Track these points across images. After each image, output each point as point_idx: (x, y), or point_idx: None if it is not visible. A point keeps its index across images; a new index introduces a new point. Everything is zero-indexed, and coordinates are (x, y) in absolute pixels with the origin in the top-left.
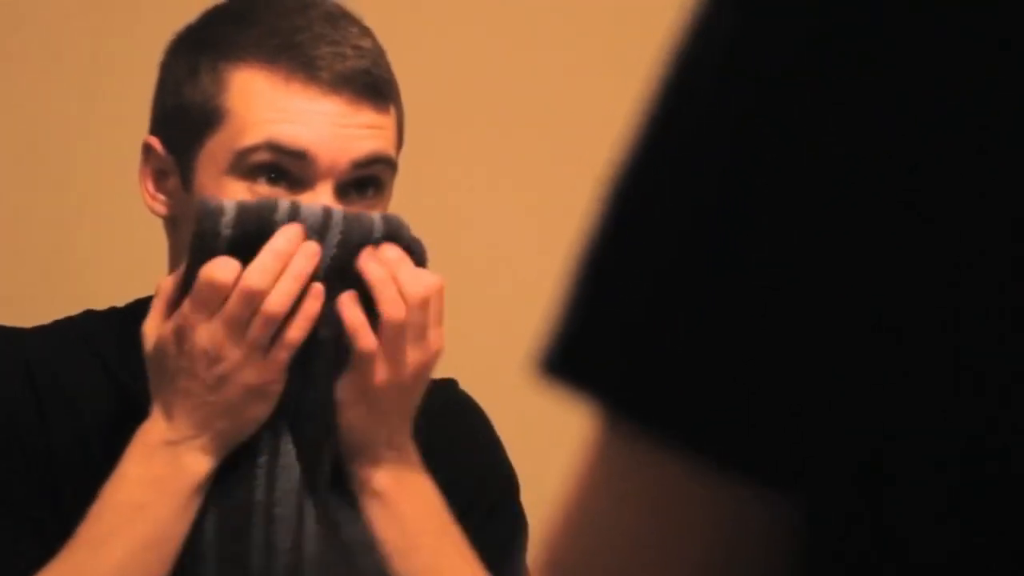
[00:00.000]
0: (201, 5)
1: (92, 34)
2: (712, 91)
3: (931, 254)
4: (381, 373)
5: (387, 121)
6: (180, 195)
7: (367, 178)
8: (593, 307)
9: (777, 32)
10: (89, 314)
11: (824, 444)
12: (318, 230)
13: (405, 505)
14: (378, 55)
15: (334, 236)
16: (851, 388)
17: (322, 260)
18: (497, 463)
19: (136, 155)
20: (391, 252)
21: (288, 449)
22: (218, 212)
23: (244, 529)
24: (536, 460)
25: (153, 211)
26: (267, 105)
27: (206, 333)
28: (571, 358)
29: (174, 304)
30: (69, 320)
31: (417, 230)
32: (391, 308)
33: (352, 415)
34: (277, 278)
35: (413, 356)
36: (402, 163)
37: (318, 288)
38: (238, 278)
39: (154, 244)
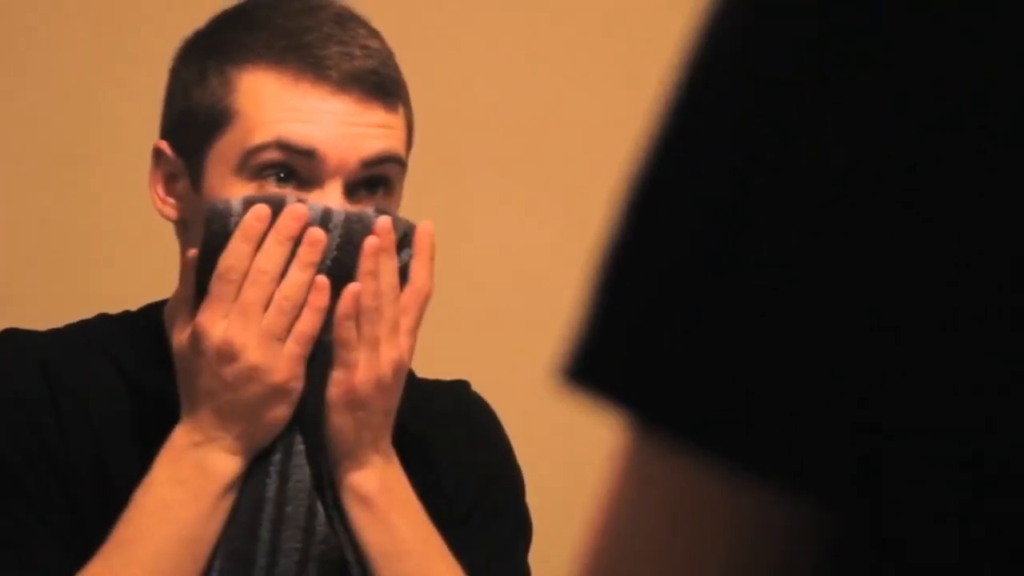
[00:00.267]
0: (212, 10)
1: (105, 39)
2: (715, 94)
3: (931, 254)
4: (362, 368)
5: (396, 120)
6: (190, 198)
7: (376, 177)
8: (612, 314)
9: (776, 33)
10: (103, 318)
11: (824, 444)
12: (318, 226)
13: (391, 510)
14: (387, 56)
15: (335, 236)
16: (851, 388)
17: (324, 259)
18: (504, 464)
19: (148, 160)
20: (374, 241)
21: (300, 449)
22: (226, 212)
23: (253, 526)
24: (548, 462)
25: (163, 215)
26: (276, 105)
27: (221, 329)
28: (591, 366)
29: (193, 309)
30: (83, 323)
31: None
32: (367, 296)
33: (339, 419)
34: (286, 257)
35: (387, 351)
36: (416, 165)
37: (323, 281)
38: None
39: (167, 248)
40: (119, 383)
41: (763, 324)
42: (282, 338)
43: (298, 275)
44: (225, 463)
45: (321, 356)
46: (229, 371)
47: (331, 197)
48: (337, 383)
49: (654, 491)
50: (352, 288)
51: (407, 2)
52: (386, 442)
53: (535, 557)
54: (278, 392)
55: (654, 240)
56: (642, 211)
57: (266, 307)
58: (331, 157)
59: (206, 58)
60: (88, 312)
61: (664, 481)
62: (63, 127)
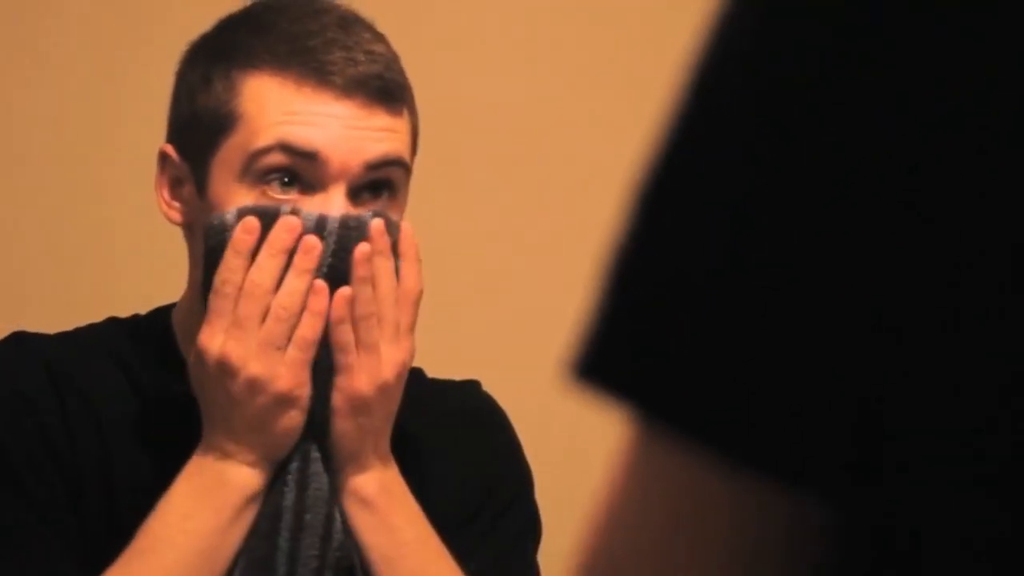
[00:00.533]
0: (219, 14)
1: (110, 43)
2: (719, 95)
3: (931, 254)
4: (364, 373)
5: (401, 124)
6: (195, 202)
7: (380, 181)
8: (618, 312)
9: (777, 36)
10: (112, 321)
11: (826, 443)
12: (314, 233)
13: (392, 513)
14: (391, 60)
15: (330, 243)
16: (853, 387)
17: (320, 264)
18: (513, 462)
19: (154, 164)
20: (365, 248)
21: (316, 457)
22: (221, 227)
23: (272, 535)
24: (556, 460)
25: (169, 219)
26: (279, 108)
27: (219, 344)
28: (598, 363)
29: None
30: (92, 327)
31: (439, 232)
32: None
33: (343, 425)
34: (280, 269)
35: (390, 354)
36: (424, 166)
37: (322, 285)
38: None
39: (176, 252)
40: (126, 386)
41: (766, 323)
42: (282, 347)
43: (294, 283)
44: (244, 476)
45: (327, 362)
46: (232, 385)
47: (335, 200)
48: (340, 389)
49: (657, 488)
50: (343, 292)
51: (412, 4)
52: (386, 445)
53: (545, 556)
54: (284, 400)
55: (661, 239)
56: (649, 211)
57: (263, 319)
58: (334, 160)
59: (211, 62)
60: (97, 316)
61: (667, 478)
62: (72, 130)
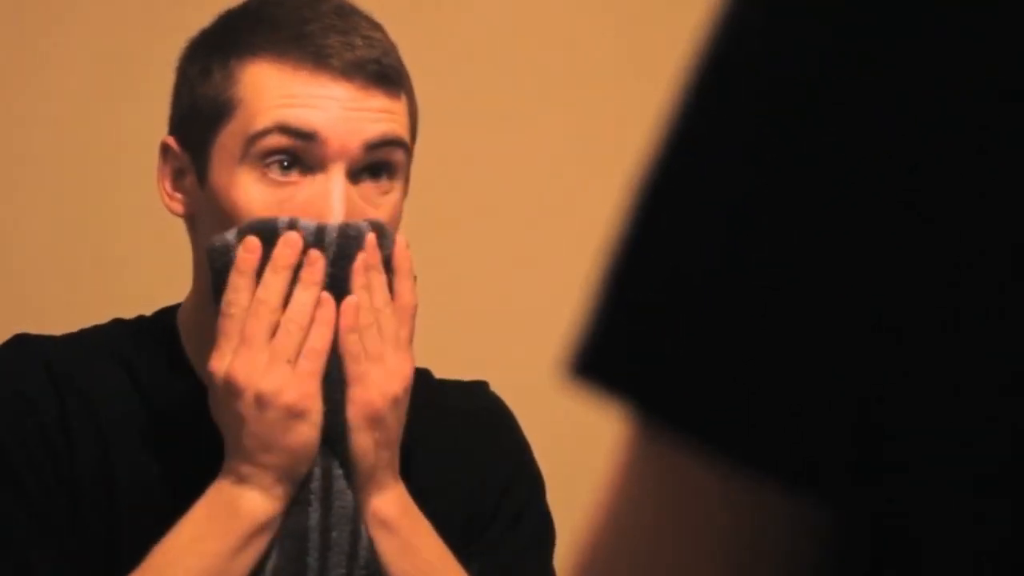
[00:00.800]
0: (218, 10)
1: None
2: (719, 96)
3: (931, 254)
4: (375, 384)
5: (399, 107)
6: (197, 192)
7: (380, 162)
8: (618, 310)
9: (775, 35)
10: (116, 323)
11: (825, 444)
12: (313, 245)
13: (412, 534)
14: (389, 47)
15: (330, 252)
16: (852, 387)
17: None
18: (524, 465)
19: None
20: (363, 258)
21: (339, 473)
22: (224, 249)
23: (300, 555)
24: (565, 461)
25: (171, 210)
26: (277, 92)
27: (226, 365)
28: (596, 361)
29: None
30: (96, 328)
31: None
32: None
33: (361, 439)
34: (286, 286)
35: (395, 365)
36: (428, 162)
37: (327, 296)
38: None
39: (180, 250)
40: (128, 386)
41: (766, 323)
42: (292, 360)
43: (303, 296)
44: (256, 503)
45: (338, 374)
46: (240, 404)
47: (335, 180)
48: (354, 401)
49: (653, 488)
50: (351, 301)
51: (410, 3)
52: (396, 460)
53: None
54: (293, 413)
55: (660, 238)
56: (649, 210)
57: (271, 336)
58: (333, 140)
59: (211, 54)
60: (101, 317)
61: (664, 478)
62: (73, 130)
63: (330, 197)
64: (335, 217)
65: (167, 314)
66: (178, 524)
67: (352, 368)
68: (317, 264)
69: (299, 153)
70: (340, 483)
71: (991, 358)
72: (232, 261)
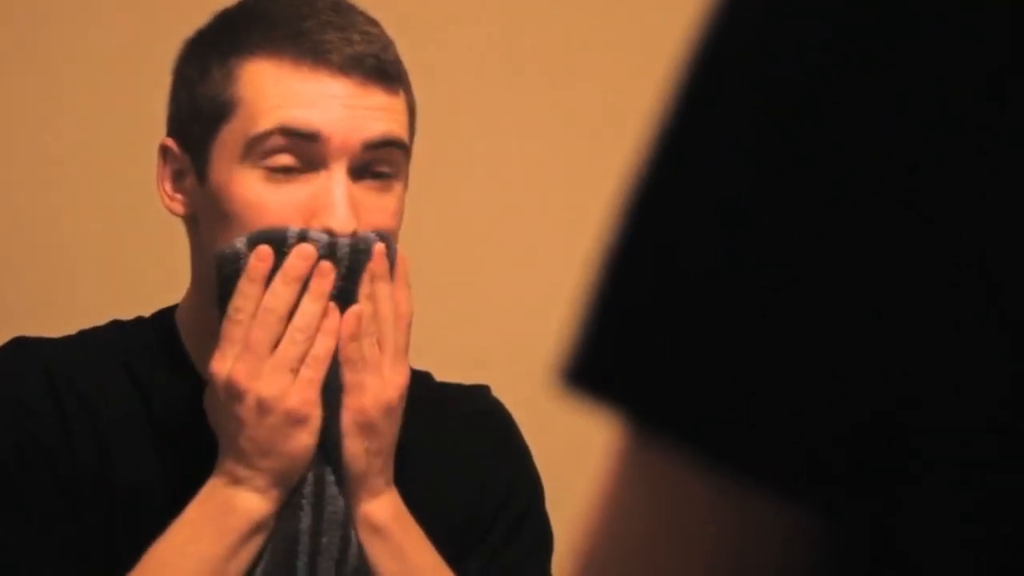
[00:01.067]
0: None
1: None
2: (716, 95)
3: (931, 254)
4: (370, 392)
5: (398, 104)
6: (197, 192)
7: (380, 160)
8: (609, 315)
9: (775, 34)
10: (115, 324)
11: (823, 448)
12: (325, 257)
13: (405, 540)
14: (387, 43)
15: (343, 265)
16: (850, 390)
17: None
18: (525, 469)
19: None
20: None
21: (331, 480)
22: (234, 256)
23: (289, 558)
24: (563, 466)
25: (172, 211)
26: (277, 91)
27: (228, 368)
28: (589, 366)
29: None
30: (94, 330)
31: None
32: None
33: (352, 445)
34: (295, 295)
35: (392, 375)
36: (428, 163)
37: (333, 306)
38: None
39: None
40: (129, 388)
41: (763, 326)
42: (295, 369)
43: (311, 307)
44: (252, 503)
45: (336, 382)
46: (240, 407)
47: (337, 178)
48: (348, 408)
49: (645, 494)
50: (355, 309)
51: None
52: (390, 468)
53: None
54: (293, 419)
55: (655, 240)
56: (643, 212)
57: (275, 344)
58: (334, 139)
59: (208, 54)
60: (100, 318)
61: (656, 484)
62: (72, 131)
63: (332, 195)
64: (338, 215)
65: (167, 314)
66: (171, 526)
67: (349, 376)
68: (328, 276)
69: (301, 152)
70: (332, 489)
71: (991, 358)
72: (241, 268)
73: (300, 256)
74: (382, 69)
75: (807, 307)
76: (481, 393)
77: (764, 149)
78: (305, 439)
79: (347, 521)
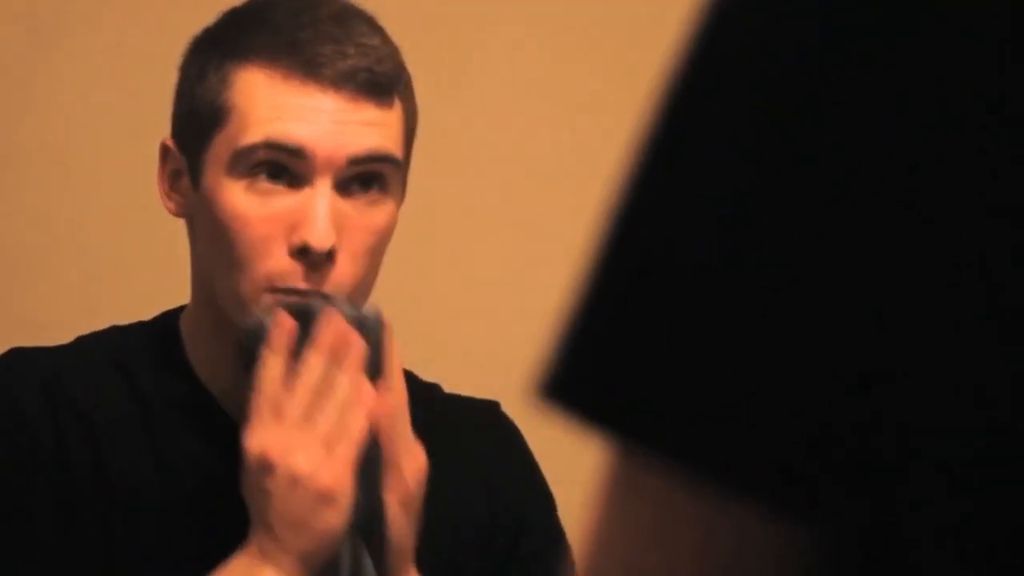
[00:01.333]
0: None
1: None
2: (712, 94)
3: (931, 254)
4: (407, 468)
5: (390, 118)
6: (191, 195)
7: (369, 174)
8: (590, 327)
9: (775, 34)
10: (115, 329)
11: (820, 448)
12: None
13: None
14: (385, 53)
15: (372, 339)
16: (849, 391)
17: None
18: (535, 483)
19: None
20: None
21: (369, 563)
22: (258, 329)
23: None
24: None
25: (169, 211)
26: (266, 103)
27: (260, 441)
28: (570, 381)
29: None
30: (93, 335)
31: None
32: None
33: (400, 524)
34: (327, 368)
35: (416, 453)
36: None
37: (366, 382)
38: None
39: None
40: (126, 393)
41: (760, 327)
42: (330, 444)
43: (346, 381)
44: None
45: (369, 460)
46: (271, 481)
47: (320, 193)
48: (394, 488)
49: (636, 508)
50: (390, 385)
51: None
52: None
53: None
54: (325, 497)
55: (642, 246)
56: (631, 216)
57: (308, 417)
58: (319, 154)
59: (209, 55)
60: (99, 323)
61: (639, 498)
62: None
63: (314, 209)
64: (318, 230)
65: (169, 317)
66: None
67: (391, 453)
68: (360, 350)
69: (286, 165)
70: (371, 572)
71: (991, 359)
72: (264, 339)
73: (332, 328)
74: (375, 83)
75: (805, 309)
76: (492, 408)
77: (763, 149)
78: (335, 518)
79: None
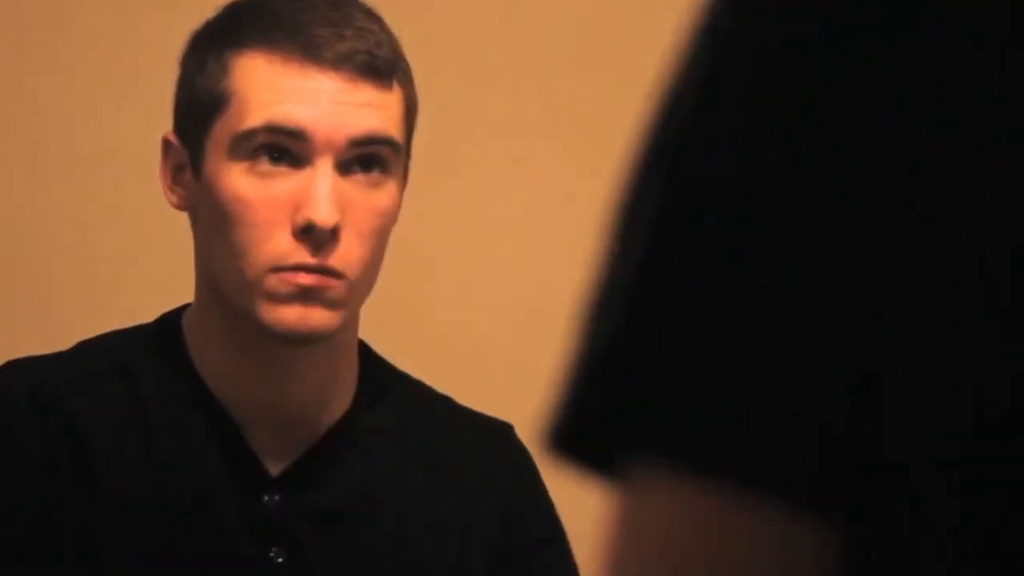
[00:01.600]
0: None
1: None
2: (712, 96)
3: (931, 254)
4: None
5: (390, 100)
6: (194, 187)
7: (369, 156)
8: (609, 354)
9: (776, 34)
10: (115, 334)
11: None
12: None
13: None
14: (382, 39)
15: None
16: (849, 391)
17: None
18: (544, 509)
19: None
20: None
21: None
22: None
23: None
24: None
25: (172, 204)
26: (266, 86)
27: None
28: (594, 418)
29: None
30: (92, 341)
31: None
32: None
33: None
34: None
35: None
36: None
37: None
38: None
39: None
40: (124, 396)
41: (757, 329)
42: None
43: None
44: None
45: None
46: None
47: (321, 174)
48: None
49: (671, 531)
50: None
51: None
52: None
53: None
54: None
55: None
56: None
57: None
58: (319, 135)
59: (208, 46)
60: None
61: (680, 520)
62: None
63: (316, 188)
64: (321, 208)
65: (170, 318)
66: None
67: None
68: None
69: (287, 147)
70: None
71: (991, 359)
72: None
73: None
74: (373, 65)
75: (806, 309)
76: (507, 432)
77: (763, 150)
78: None
79: None
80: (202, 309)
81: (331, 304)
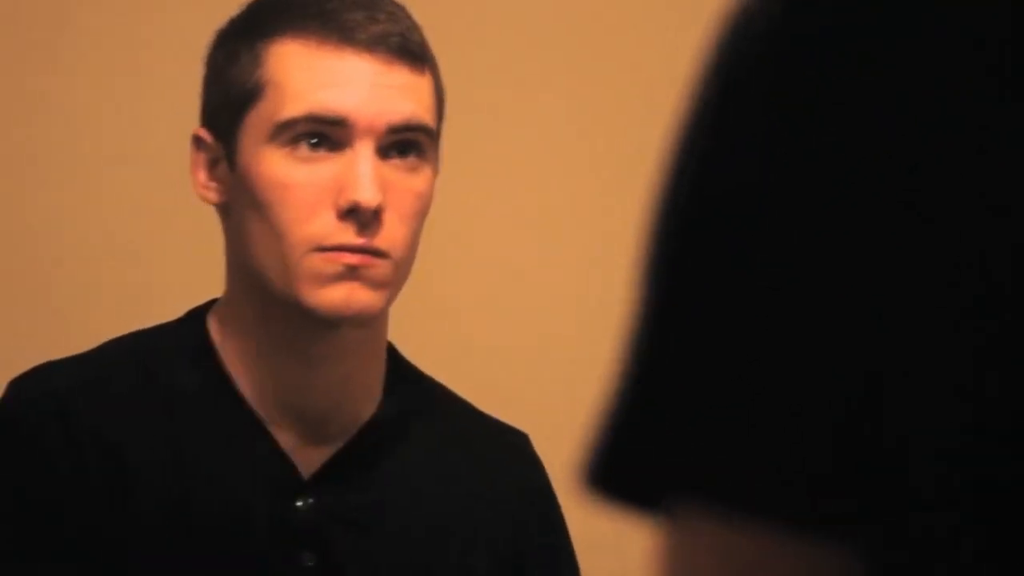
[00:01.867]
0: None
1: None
2: (713, 98)
3: (931, 254)
4: None
5: (423, 84)
6: (229, 179)
7: (406, 142)
8: (647, 394)
9: (776, 34)
10: (138, 332)
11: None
12: None
13: None
14: (413, 24)
15: None
16: (848, 392)
17: None
18: (555, 520)
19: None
20: None
21: None
22: None
23: None
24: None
25: (206, 200)
26: (303, 72)
27: None
28: (632, 459)
29: None
30: (117, 341)
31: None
32: None
33: None
34: None
35: None
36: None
37: None
38: None
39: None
40: (154, 399)
41: (758, 328)
42: None
43: None
44: None
45: None
46: None
47: (363, 157)
48: None
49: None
50: None
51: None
52: None
53: None
54: None
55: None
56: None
57: None
58: (360, 121)
59: (238, 40)
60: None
61: (718, 554)
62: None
63: (358, 170)
64: (364, 189)
65: (195, 314)
66: None
67: None
68: None
69: (327, 133)
70: None
71: (992, 359)
72: None
73: None
74: (407, 48)
75: (806, 310)
76: (522, 442)
77: (762, 151)
78: None
79: None
80: (234, 303)
81: (376, 284)
